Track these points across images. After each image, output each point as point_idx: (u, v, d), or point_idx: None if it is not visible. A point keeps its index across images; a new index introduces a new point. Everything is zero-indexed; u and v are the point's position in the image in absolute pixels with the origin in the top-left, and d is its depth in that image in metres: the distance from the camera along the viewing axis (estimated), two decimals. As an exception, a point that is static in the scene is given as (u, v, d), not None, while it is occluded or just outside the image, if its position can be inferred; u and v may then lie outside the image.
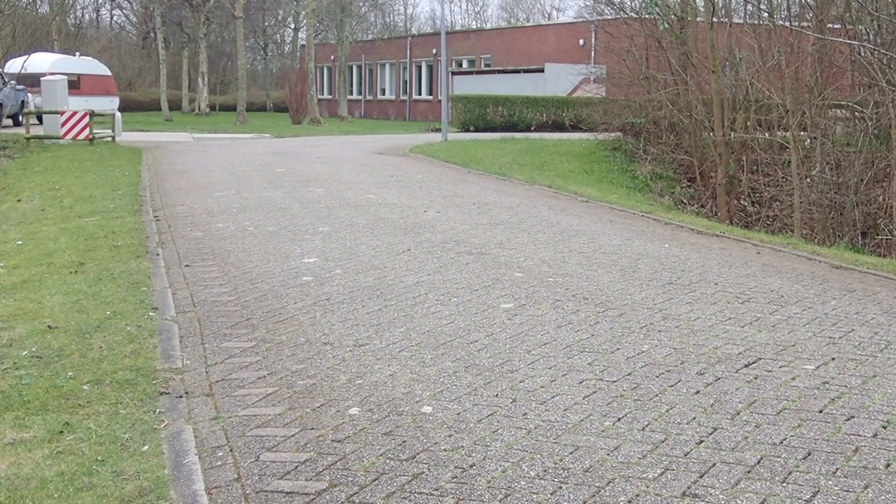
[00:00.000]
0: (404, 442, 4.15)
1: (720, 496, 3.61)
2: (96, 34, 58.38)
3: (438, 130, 29.50)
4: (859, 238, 15.01)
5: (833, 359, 5.40)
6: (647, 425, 4.33)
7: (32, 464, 4.01)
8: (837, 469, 3.85)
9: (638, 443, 4.12)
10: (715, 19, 18.47)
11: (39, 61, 33.44)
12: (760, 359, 5.38)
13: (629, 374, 5.08)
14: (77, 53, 36.68)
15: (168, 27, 49.75)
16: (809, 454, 4.00)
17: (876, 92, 15.76)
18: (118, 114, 25.77)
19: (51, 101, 25.06)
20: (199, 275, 7.83)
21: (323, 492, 3.68)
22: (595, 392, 4.79)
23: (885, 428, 4.30)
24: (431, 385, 4.91)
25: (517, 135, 27.61)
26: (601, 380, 4.99)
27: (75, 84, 32.35)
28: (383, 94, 55.93)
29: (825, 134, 16.73)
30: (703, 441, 4.14)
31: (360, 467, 3.89)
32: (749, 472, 3.83)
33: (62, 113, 23.83)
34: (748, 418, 4.42)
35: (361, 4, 54.53)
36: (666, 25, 20.86)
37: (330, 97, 56.71)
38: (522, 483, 3.74)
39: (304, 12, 50.75)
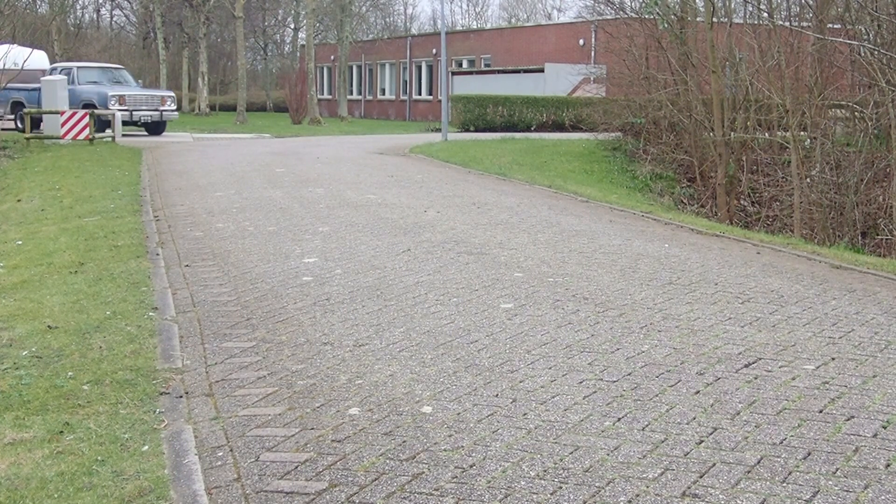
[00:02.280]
0: (404, 442, 4.15)
1: (720, 496, 3.61)
2: (96, 34, 58.37)
3: (438, 130, 29.49)
4: (859, 238, 15.01)
5: (833, 359, 5.40)
6: (647, 425, 4.33)
7: (32, 464, 4.01)
8: (837, 469, 3.86)
9: (638, 443, 4.12)
10: (715, 19, 18.46)
11: None
12: (760, 359, 5.38)
13: (629, 374, 5.08)
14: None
15: (168, 27, 49.77)
16: (809, 454, 4.00)
17: (876, 92, 15.76)
18: (118, 114, 25.75)
19: (51, 101, 25.04)
20: (199, 275, 7.83)
21: (323, 492, 3.68)
22: (595, 392, 4.79)
23: (885, 428, 4.30)
24: (431, 385, 4.91)
25: (517, 135, 27.60)
26: (601, 380, 4.99)
27: None
28: (383, 94, 55.92)
29: (825, 134, 16.72)
30: (703, 441, 4.14)
31: (360, 467, 3.89)
32: (749, 472, 3.83)
33: (62, 113, 23.82)
34: (748, 418, 4.42)
35: (361, 4, 54.53)
36: (666, 25, 20.85)
37: (330, 97, 56.70)
38: (522, 483, 3.74)
39: (304, 12, 50.73)
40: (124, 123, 26.58)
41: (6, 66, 29.48)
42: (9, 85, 28.65)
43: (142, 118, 26.83)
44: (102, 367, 5.27)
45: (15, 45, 30.08)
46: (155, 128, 27.81)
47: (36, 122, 26.62)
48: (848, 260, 8.88)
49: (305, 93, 42.66)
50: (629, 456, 3.98)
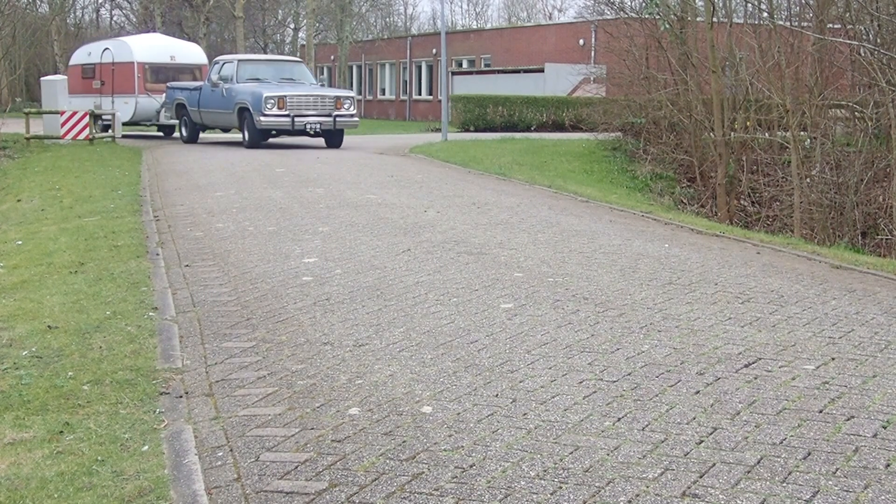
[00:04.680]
0: (404, 442, 4.15)
1: (720, 496, 3.61)
2: (96, 34, 58.37)
3: (438, 130, 29.47)
4: (859, 238, 15.01)
5: (833, 359, 5.40)
6: (647, 425, 4.33)
7: (32, 464, 4.01)
8: (837, 469, 3.85)
9: (638, 443, 4.12)
10: (715, 19, 18.47)
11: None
12: (760, 359, 5.38)
13: (629, 374, 5.08)
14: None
15: (168, 27, 49.78)
16: (809, 454, 4.00)
17: (876, 92, 15.76)
18: (118, 114, 25.69)
19: (51, 101, 25.03)
20: (199, 275, 7.83)
21: (323, 492, 3.68)
22: (595, 392, 4.79)
23: (885, 428, 4.30)
24: (431, 385, 4.91)
25: (517, 135, 27.59)
26: (601, 380, 4.99)
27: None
28: (383, 94, 55.93)
29: (825, 134, 16.73)
30: (703, 441, 4.14)
31: (360, 467, 3.89)
32: (749, 472, 3.83)
33: (62, 113, 23.83)
34: (748, 418, 4.42)
35: (361, 4, 54.56)
36: (666, 25, 20.85)
37: (330, 97, 56.61)
38: (522, 483, 3.74)
39: (304, 12, 50.75)
40: (287, 133, 21.68)
41: (154, 60, 27.18)
42: (174, 85, 24.86)
43: (307, 126, 20.86)
44: (102, 367, 5.27)
45: (161, 34, 27.48)
46: (330, 138, 21.76)
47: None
48: (848, 260, 8.88)
49: (305, 93, 42.55)
50: (629, 456, 3.98)
